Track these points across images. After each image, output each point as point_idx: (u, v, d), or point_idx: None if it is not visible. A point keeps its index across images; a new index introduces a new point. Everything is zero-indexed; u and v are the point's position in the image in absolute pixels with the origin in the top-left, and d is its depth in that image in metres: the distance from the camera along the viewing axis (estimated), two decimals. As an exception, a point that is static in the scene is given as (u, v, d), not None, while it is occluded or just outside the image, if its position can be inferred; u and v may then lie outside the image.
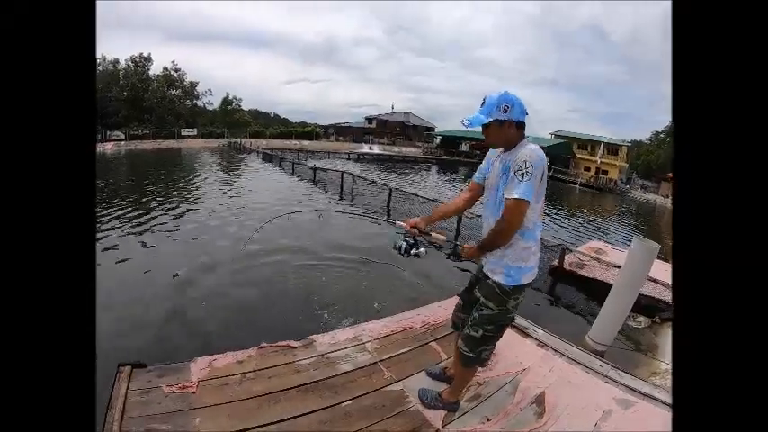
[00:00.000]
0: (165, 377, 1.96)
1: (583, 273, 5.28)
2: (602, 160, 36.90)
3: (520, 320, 2.91)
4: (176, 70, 38.31)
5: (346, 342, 2.52)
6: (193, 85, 39.80)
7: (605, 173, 35.99)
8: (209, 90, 42.18)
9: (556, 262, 5.51)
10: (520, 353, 2.56)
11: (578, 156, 38.52)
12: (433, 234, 1.94)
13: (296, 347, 2.39)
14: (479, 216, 1.91)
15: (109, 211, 7.61)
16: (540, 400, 2.11)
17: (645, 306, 4.08)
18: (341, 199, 11.06)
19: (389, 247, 1.95)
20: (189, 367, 2.07)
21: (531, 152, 1.53)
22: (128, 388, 1.83)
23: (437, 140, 49.61)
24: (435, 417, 1.93)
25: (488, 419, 1.95)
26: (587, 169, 36.93)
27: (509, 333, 2.76)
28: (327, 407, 1.92)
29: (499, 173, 1.67)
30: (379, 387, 2.12)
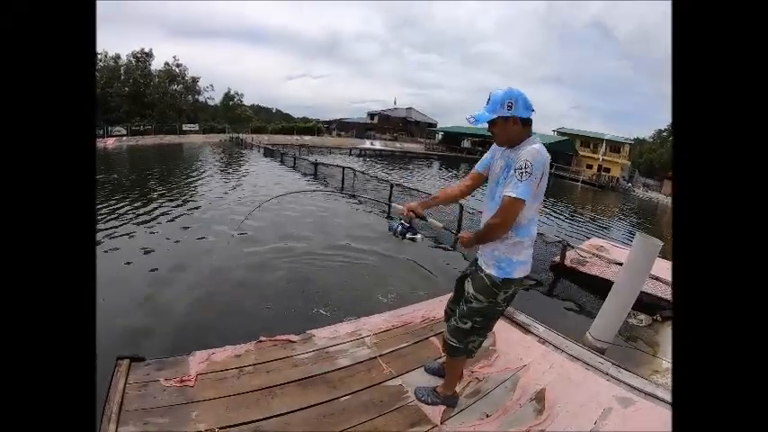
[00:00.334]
0: (164, 371, 1.96)
1: (584, 269, 5.26)
2: (605, 158, 36.77)
3: (520, 316, 2.90)
4: (178, 65, 38.18)
5: (345, 337, 2.51)
6: (195, 80, 39.64)
7: (607, 170, 35.88)
8: (211, 85, 42.07)
9: (557, 258, 5.49)
10: (520, 349, 2.55)
11: (581, 153, 38.39)
12: (430, 220, 1.97)
13: (295, 342, 2.38)
14: (481, 212, 1.91)
15: (111, 206, 7.61)
16: (539, 397, 2.10)
17: (646, 304, 4.06)
18: (342, 193, 11.04)
19: (387, 230, 1.96)
20: (187, 361, 2.06)
21: (533, 151, 1.53)
22: (126, 381, 1.83)
23: (439, 136, 49.47)
24: (434, 413, 1.92)
25: (487, 416, 1.94)
26: (589, 167, 36.80)
27: (509, 329, 2.76)
28: (326, 401, 1.91)
29: (501, 169, 1.68)
30: (378, 382, 2.11)
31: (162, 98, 35.99)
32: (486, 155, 1.85)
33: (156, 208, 7.82)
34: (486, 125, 1.65)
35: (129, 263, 4.71)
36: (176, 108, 37.07)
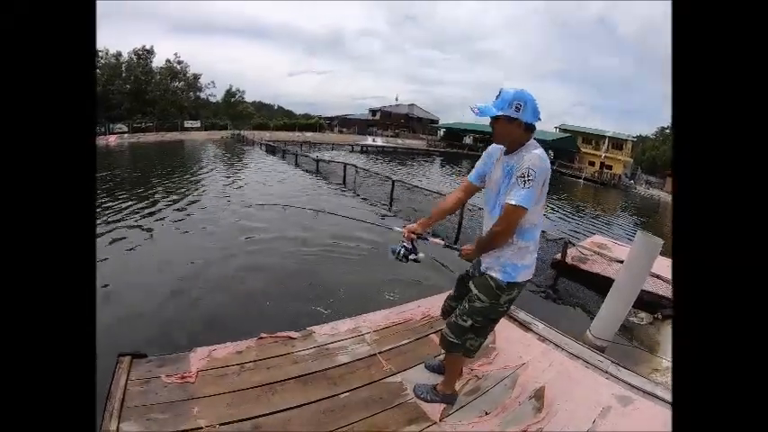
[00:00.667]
0: (165, 367, 1.97)
1: (585, 267, 5.25)
2: (607, 155, 36.62)
3: (521, 314, 2.90)
4: (179, 62, 38.15)
5: (346, 333, 2.52)
6: (196, 77, 39.60)
7: (609, 168, 35.73)
8: (212, 82, 41.93)
9: (558, 256, 5.48)
10: (520, 347, 2.56)
11: (583, 150, 38.23)
12: (431, 239, 1.97)
13: (295, 338, 2.39)
14: (481, 209, 1.91)
15: (114, 203, 7.64)
16: (538, 395, 2.10)
17: (647, 302, 4.06)
18: (344, 190, 11.05)
19: (388, 255, 1.95)
20: (188, 357, 2.07)
21: (535, 158, 1.52)
22: (128, 378, 1.84)
23: (441, 133, 49.33)
24: (433, 410, 1.93)
25: (486, 413, 1.95)
26: (591, 164, 36.66)
27: (510, 327, 2.77)
28: (326, 398, 1.92)
29: (501, 176, 1.66)
30: (377, 379, 2.12)
31: (163, 95, 35.98)
32: (478, 164, 1.83)
33: (157, 203, 7.86)
34: (489, 119, 1.63)
35: (130, 261, 4.73)
36: (178, 105, 37.07)
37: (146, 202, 8.02)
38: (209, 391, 1.85)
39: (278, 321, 3.04)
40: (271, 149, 22.00)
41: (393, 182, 9.71)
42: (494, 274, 1.69)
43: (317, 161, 14.75)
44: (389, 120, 50.66)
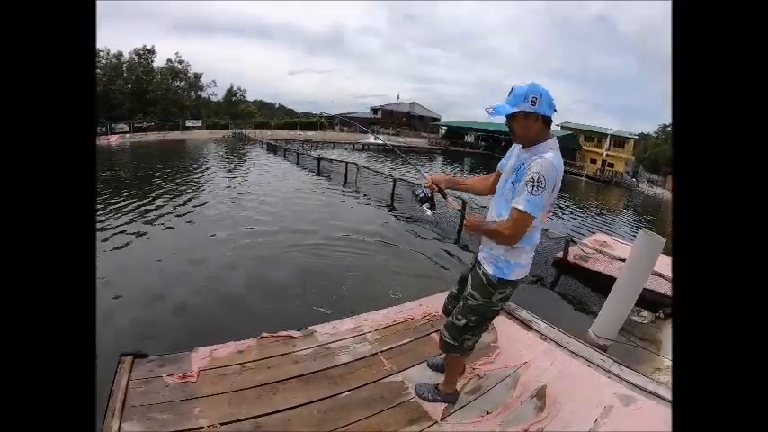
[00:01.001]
0: (166, 367, 1.98)
1: (587, 265, 5.24)
2: (609, 153, 36.50)
3: (522, 313, 2.89)
4: (180, 62, 38.17)
5: (346, 332, 2.52)
6: (197, 76, 39.62)
7: (611, 165, 35.61)
8: (214, 81, 41.95)
9: (560, 254, 5.47)
10: (521, 346, 2.55)
11: (584, 148, 38.11)
12: (449, 199, 1.99)
13: (296, 338, 2.39)
14: (484, 206, 1.91)
15: (117, 203, 7.66)
16: (540, 394, 2.10)
17: (649, 301, 4.05)
18: (345, 189, 11.05)
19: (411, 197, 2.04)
20: (189, 357, 2.07)
21: (546, 164, 1.46)
22: (129, 378, 1.84)
23: (442, 131, 49.27)
24: (435, 409, 1.92)
25: (488, 413, 1.94)
26: (593, 161, 36.57)
27: (511, 325, 2.76)
28: (327, 397, 1.92)
29: (512, 168, 1.64)
30: (378, 378, 2.12)
31: (165, 95, 36.02)
32: (507, 153, 1.81)
33: (158, 202, 7.87)
34: (504, 118, 1.57)
35: (132, 259, 4.75)
36: (179, 104, 37.11)
37: (147, 200, 8.03)
38: (210, 391, 1.86)
39: (280, 320, 3.05)
40: (272, 148, 22.00)
41: (395, 180, 9.70)
42: (486, 268, 1.69)
43: (319, 160, 14.75)
44: (391, 118, 50.61)
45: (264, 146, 23.66)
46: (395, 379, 2.13)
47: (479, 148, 40.20)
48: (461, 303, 1.80)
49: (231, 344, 2.25)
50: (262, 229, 6.22)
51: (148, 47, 36.28)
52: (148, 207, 7.45)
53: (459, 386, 2.06)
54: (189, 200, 8.43)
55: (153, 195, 8.60)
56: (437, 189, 1.93)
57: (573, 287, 5.01)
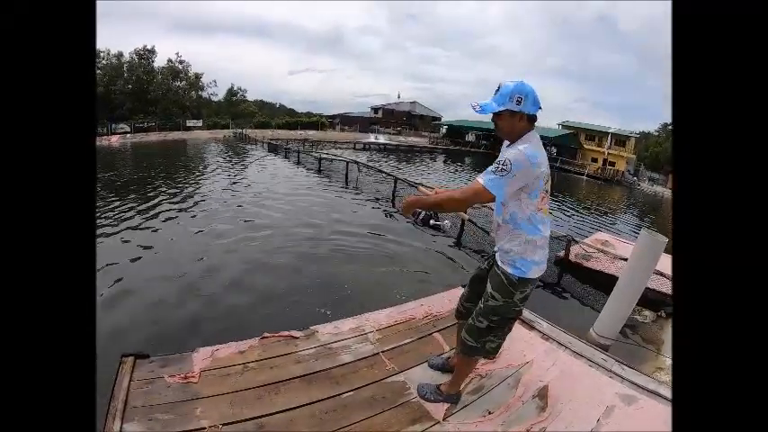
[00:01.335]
0: (168, 367, 1.98)
1: (589, 265, 5.23)
2: (610, 151, 36.43)
3: (524, 313, 2.88)
4: (181, 62, 38.24)
5: (348, 332, 2.52)
6: (198, 76, 39.67)
7: (612, 164, 35.54)
8: (214, 81, 42.05)
9: (561, 253, 5.45)
10: (523, 345, 2.54)
11: (585, 146, 38.04)
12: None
13: (298, 338, 2.39)
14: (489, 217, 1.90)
15: (118, 203, 7.67)
16: (542, 394, 2.09)
17: (651, 300, 4.04)
18: (346, 188, 11.05)
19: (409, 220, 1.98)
20: (191, 357, 2.07)
21: (517, 152, 1.51)
22: (130, 378, 1.84)
23: (443, 130, 49.23)
24: (437, 409, 1.92)
25: (490, 413, 1.94)
26: (594, 160, 36.49)
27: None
28: (329, 397, 1.92)
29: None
30: (380, 378, 2.12)
31: (165, 95, 36.08)
32: None
33: (159, 202, 7.89)
34: (491, 115, 1.63)
35: (134, 257, 4.75)
36: (180, 104, 37.18)
37: (149, 200, 8.04)
38: (211, 392, 1.86)
39: (281, 320, 3.06)
40: (273, 148, 22.01)
41: (396, 180, 9.69)
42: (504, 268, 1.68)
43: (319, 159, 14.75)
44: (392, 117, 50.63)
45: (265, 145, 23.66)
46: (397, 379, 2.13)
47: (480, 147, 40.16)
48: (481, 305, 1.77)
49: (233, 344, 2.25)
50: (262, 229, 6.21)
51: (149, 47, 36.41)
52: (149, 207, 7.46)
53: (461, 386, 2.05)
54: (189, 199, 8.44)
55: (153, 196, 8.61)
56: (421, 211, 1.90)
57: (574, 286, 5.01)
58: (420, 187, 6.91)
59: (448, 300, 3.03)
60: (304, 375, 2.06)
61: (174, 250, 5.16)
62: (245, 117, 41.92)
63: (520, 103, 1.54)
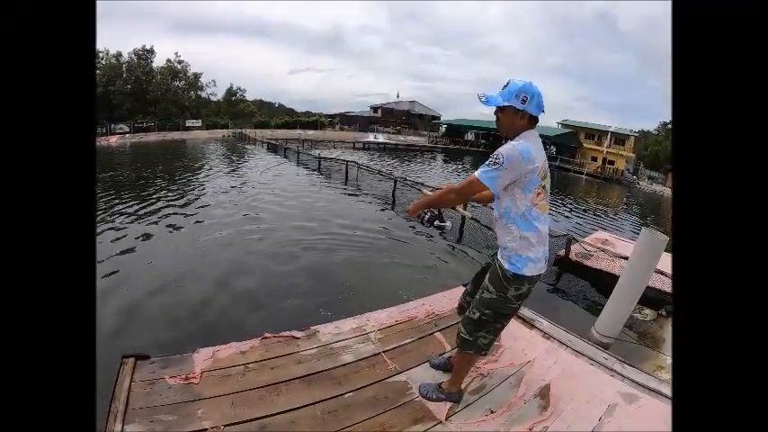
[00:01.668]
0: (169, 368, 1.97)
1: (589, 263, 5.22)
2: (609, 150, 36.40)
3: (525, 311, 2.88)
4: (180, 62, 38.14)
5: (349, 332, 2.51)
6: (197, 76, 39.59)
7: (612, 163, 35.54)
8: (213, 81, 41.93)
9: (562, 252, 5.45)
10: (525, 344, 2.54)
11: (585, 145, 38.02)
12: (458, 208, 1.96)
13: (299, 338, 2.38)
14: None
15: (118, 203, 7.66)
16: (544, 393, 2.09)
17: (651, 299, 4.03)
18: (345, 188, 11.04)
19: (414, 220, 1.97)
20: (192, 358, 2.07)
21: (511, 147, 1.55)
22: (131, 379, 1.84)
23: (442, 129, 49.18)
24: (439, 409, 1.92)
25: (492, 412, 1.94)
26: (594, 159, 36.46)
27: (514, 324, 2.75)
28: (330, 398, 1.92)
29: None
30: (382, 378, 2.11)
31: (164, 95, 36.03)
32: None
33: (160, 201, 7.88)
34: (494, 109, 1.66)
35: (135, 258, 4.74)
36: (179, 104, 37.11)
37: (149, 200, 8.03)
38: (213, 392, 1.85)
39: (282, 319, 3.05)
40: (272, 148, 21.99)
41: (395, 180, 9.69)
42: (502, 263, 1.71)
43: (319, 159, 14.74)
44: (391, 116, 50.58)
45: (265, 145, 23.65)
46: (398, 379, 2.13)
47: (479, 146, 40.10)
48: (477, 296, 1.82)
49: (234, 344, 2.25)
50: (263, 229, 6.22)
51: (147, 47, 36.33)
52: (149, 207, 7.45)
53: (463, 385, 2.05)
54: (189, 199, 8.44)
55: (154, 195, 8.60)
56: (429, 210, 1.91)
57: (575, 285, 5.00)
58: (424, 190, 6.94)
59: (449, 299, 3.03)
60: (305, 375, 2.05)
61: (174, 250, 5.16)
62: (244, 117, 41.82)
63: (525, 102, 1.58)
